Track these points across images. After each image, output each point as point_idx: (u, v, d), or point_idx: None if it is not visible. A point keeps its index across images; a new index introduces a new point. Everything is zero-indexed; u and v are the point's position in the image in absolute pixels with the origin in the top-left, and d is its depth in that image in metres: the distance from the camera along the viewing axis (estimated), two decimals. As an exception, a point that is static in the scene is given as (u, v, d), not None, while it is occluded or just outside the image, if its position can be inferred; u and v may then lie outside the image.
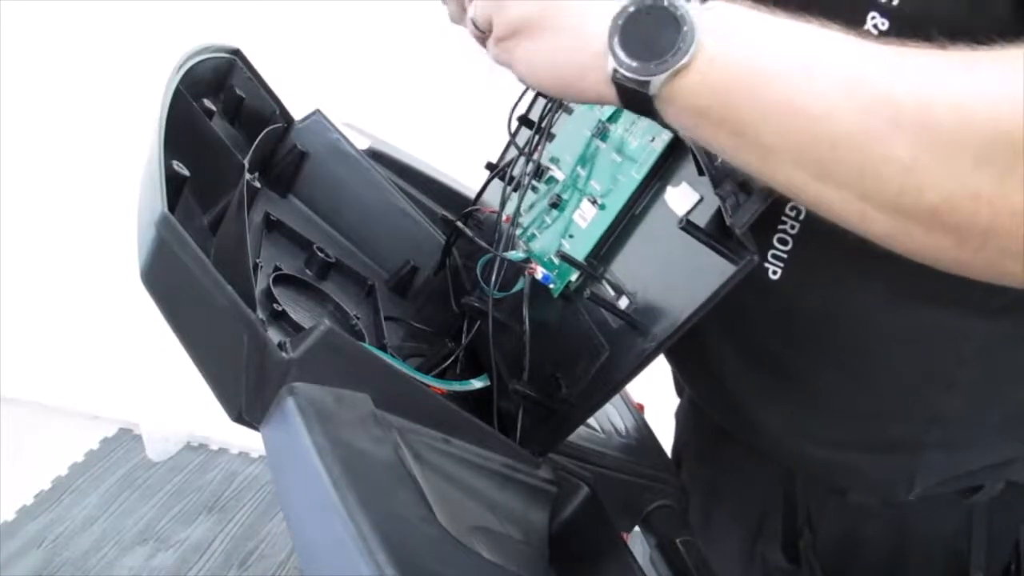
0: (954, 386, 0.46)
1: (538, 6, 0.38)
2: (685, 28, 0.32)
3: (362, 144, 0.67)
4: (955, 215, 0.29)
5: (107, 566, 1.63)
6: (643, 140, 0.48)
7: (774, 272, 0.47)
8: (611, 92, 0.35)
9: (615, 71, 0.34)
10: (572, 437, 0.50)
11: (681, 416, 0.69)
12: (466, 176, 0.72)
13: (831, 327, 0.47)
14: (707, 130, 0.34)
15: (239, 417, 0.38)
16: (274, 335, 0.40)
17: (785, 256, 0.46)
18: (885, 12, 0.39)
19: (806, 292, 0.47)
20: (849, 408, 0.49)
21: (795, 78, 0.31)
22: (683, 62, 0.32)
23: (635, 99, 0.35)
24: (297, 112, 0.66)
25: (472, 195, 0.67)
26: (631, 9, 0.34)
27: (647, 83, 0.33)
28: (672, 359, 0.62)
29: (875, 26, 0.39)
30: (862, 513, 0.53)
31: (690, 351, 0.56)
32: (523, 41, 0.38)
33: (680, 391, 0.69)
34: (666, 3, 0.33)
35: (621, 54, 0.34)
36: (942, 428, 0.48)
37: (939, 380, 0.46)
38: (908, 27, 0.38)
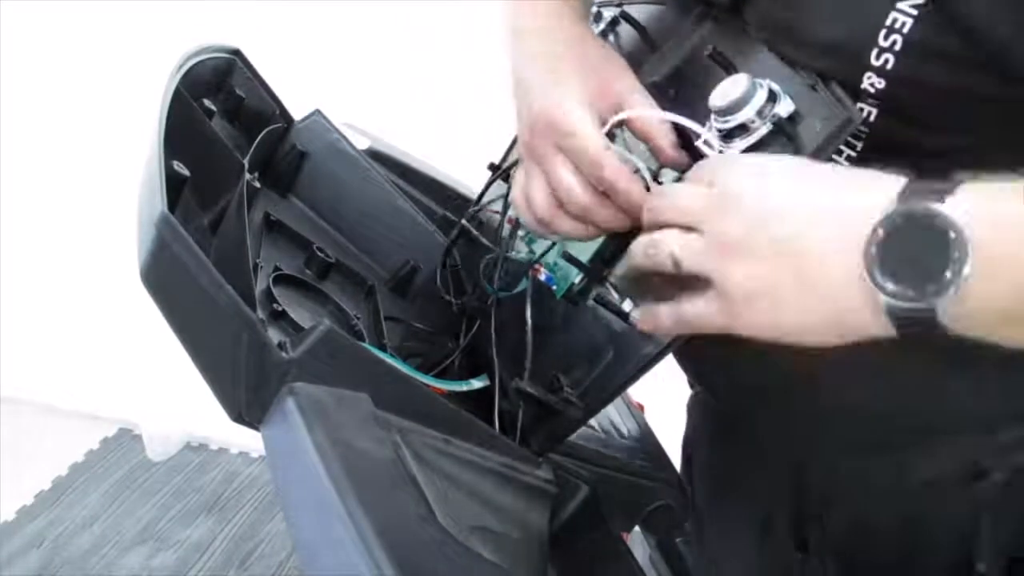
0: (962, 390, 0.47)
1: (771, 266, 0.35)
2: (953, 235, 0.29)
3: (362, 144, 0.67)
4: None
5: (107, 566, 1.63)
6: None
7: None
8: (884, 324, 0.32)
9: (888, 305, 0.31)
10: (572, 437, 0.50)
11: (693, 408, 0.70)
12: (466, 176, 0.72)
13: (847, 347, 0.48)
14: (1004, 331, 0.31)
15: (239, 417, 0.38)
16: (274, 335, 0.40)
17: None
18: (881, 73, 0.39)
19: None
20: (862, 415, 0.50)
21: None
22: (967, 273, 0.29)
23: (919, 325, 0.31)
24: (297, 112, 0.66)
25: (472, 195, 0.67)
26: (884, 231, 0.31)
27: (932, 310, 0.30)
28: (685, 366, 0.62)
29: (871, 85, 0.39)
30: (871, 501, 0.54)
31: (706, 360, 0.57)
32: (759, 303, 0.36)
33: (693, 385, 0.69)
34: (922, 212, 0.30)
35: (889, 285, 0.31)
36: (952, 420, 0.48)
37: (947, 387, 0.47)
38: (905, 87, 0.38)
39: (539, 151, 0.46)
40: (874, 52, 0.39)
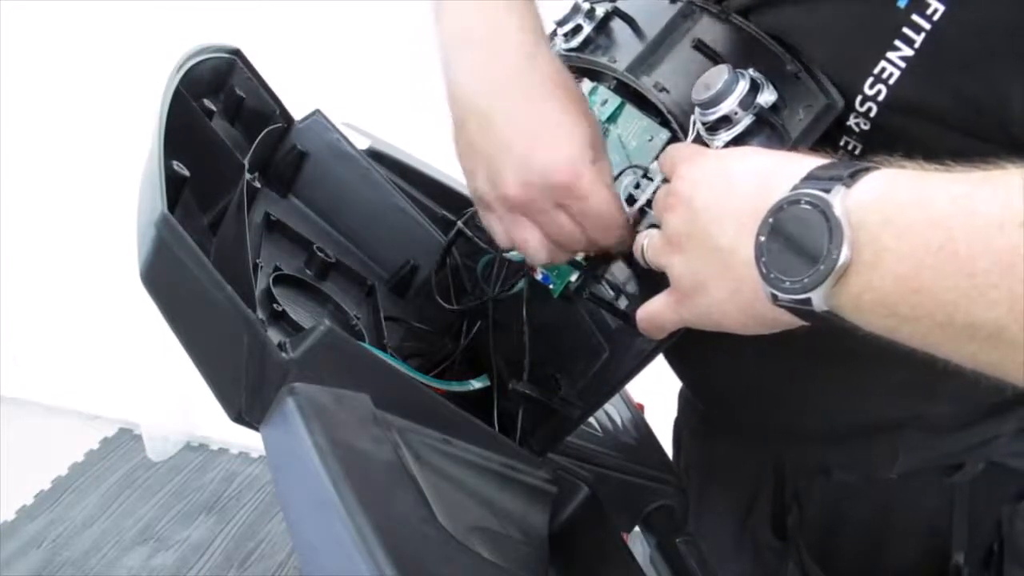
0: (935, 394, 0.47)
1: (701, 258, 0.36)
2: (831, 224, 0.28)
3: (362, 144, 0.67)
4: None
5: (107, 566, 1.63)
6: (641, 139, 0.48)
7: None
8: (788, 316, 0.32)
9: (773, 295, 0.31)
10: (572, 437, 0.50)
11: (682, 397, 0.70)
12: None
13: (820, 345, 0.48)
14: (890, 325, 0.28)
15: (239, 417, 0.38)
16: (274, 335, 0.40)
17: None
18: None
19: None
20: (834, 411, 0.51)
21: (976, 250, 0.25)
22: (840, 262, 0.28)
23: (812, 319, 0.30)
24: (297, 112, 0.66)
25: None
26: (773, 219, 0.30)
27: (808, 300, 0.29)
28: (669, 360, 0.62)
29: (856, 124, 0.39)
30: (847, 491, 0.54)
31: (686, 358, 0.57)
32: (697, 294, 0.37)
33: None
34: (806, 199, 0.29)
35: (772, 273, 0.30)
36: (924, 420, 0.49)
37: (921, 390, 0.47)
38: (888, 137, 0.38)
39: (537, 206, 0.43)
40: (859, 98, 0.38)
